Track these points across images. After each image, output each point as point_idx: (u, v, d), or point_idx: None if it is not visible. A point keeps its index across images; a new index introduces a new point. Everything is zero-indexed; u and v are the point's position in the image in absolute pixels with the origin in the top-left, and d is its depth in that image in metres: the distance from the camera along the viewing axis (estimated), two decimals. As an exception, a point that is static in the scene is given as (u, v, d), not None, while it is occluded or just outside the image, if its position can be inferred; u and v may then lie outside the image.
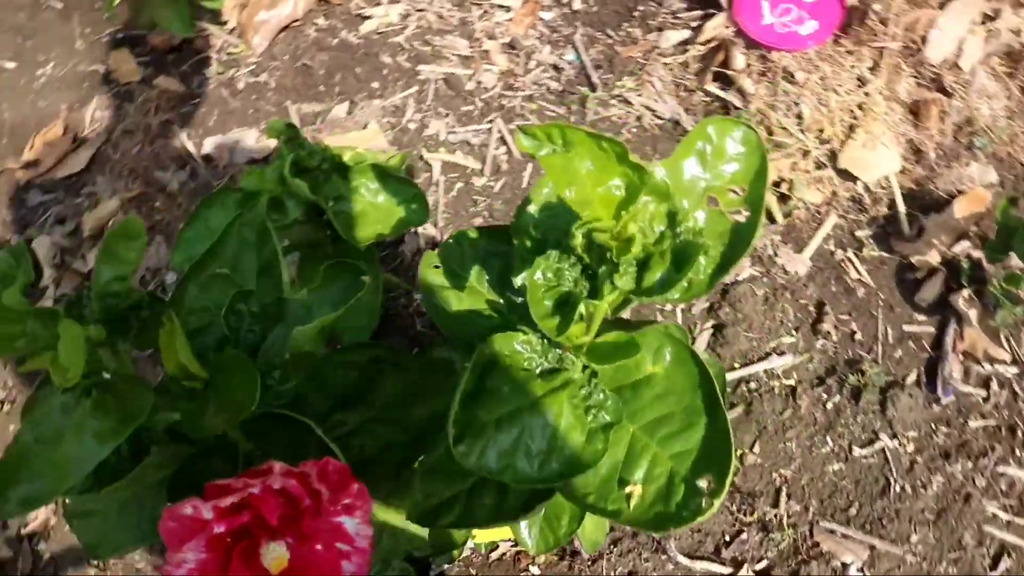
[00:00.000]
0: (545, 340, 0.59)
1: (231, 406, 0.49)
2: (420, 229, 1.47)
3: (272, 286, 0.60)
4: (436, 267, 0.71)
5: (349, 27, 1.76)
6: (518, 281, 0.57)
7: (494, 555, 1.24)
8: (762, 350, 1.34)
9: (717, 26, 1.59)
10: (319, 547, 0.51)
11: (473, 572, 1.21)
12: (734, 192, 0.54)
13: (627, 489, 0.57)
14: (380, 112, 1.64)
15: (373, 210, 0.97)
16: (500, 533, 0.89)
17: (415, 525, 0.78)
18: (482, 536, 0.90)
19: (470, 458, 0.53)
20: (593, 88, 1.60)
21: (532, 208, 0.60)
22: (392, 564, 0.82)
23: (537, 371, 0.58)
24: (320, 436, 0.55)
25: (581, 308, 0.52)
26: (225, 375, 0.51)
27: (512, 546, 1.24)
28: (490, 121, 1.60)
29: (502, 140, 1.56)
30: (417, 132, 1.60)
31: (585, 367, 0.57)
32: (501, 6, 1.74)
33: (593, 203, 0.45)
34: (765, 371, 1.32)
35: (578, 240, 0.49)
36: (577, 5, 1.72)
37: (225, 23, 1.78)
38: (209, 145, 1.64)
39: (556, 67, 1.64)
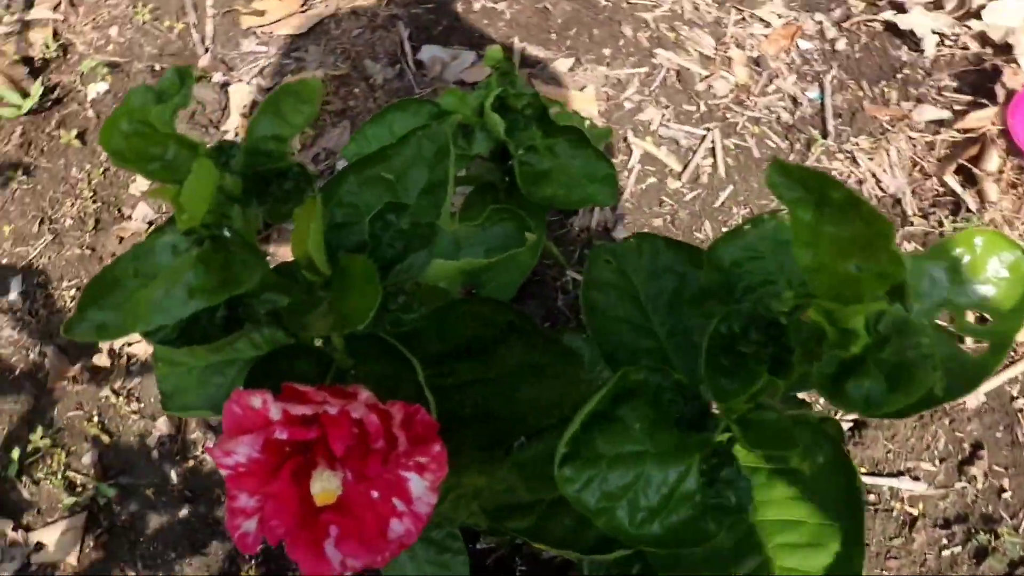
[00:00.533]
0: (698, 391, 0.52)
1: (342, 313, 0.45)
2: (597, 208, 1.40)
3: (431, 209, 0.54)
4: (608, 261, 0.64)
5: (606, -14, 1.70)
6: (690, 318, 0.51)
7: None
8: (897, 466, 1.22)
9: (982, 119, 1.44)
10: (374, 495, 0.46)
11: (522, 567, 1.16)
12: (978, 318, 0.45)
13: None
14: (602, 80, 1.58)
15: (560, 173, 0.91)
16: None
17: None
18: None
19: (571, 486, 0.46)
20: (825, 135, 1.48)
21: (739, 243, 0.52)
22: (443, 527, 0.77)
23: (675, 418, 0.51)
24: (420, 381, 0.49)
25: (760, 383, 0.44)
26: (348, 280, 0.46)
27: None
28: (707, 128, 1.51)
29: (712, 151, 1.47)
30: (630, 113, 1.53)
31: (729, 437, 0.50)
32: (762, 19, 1.64)
33: (824, 276, 0.37)
34: (890, 488, 1.20)
35: (785, 307, 0.42)
36: (840, 46, 1.59)
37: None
38: (426, 53, 1.63)
39: (795, 99, 1.53)
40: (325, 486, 0.44)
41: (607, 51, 1.63)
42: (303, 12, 1.69)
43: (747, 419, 0.47)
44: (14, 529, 1.22)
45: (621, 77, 1.59)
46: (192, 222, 0.37)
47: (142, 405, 1.30)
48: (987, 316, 0.44)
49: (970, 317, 0.44)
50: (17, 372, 1.34)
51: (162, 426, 1.28)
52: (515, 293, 0.92)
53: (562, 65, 1.62)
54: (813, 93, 1.54)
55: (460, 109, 0.89)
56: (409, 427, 0.46)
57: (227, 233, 0.39)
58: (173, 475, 1.26)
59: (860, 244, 0.33)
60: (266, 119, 0.43)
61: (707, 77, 1.58)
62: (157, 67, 1.63)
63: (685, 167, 1.47)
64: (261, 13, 1.69)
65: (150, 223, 1.44)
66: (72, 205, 1.46)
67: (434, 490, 0.47)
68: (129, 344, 1.33)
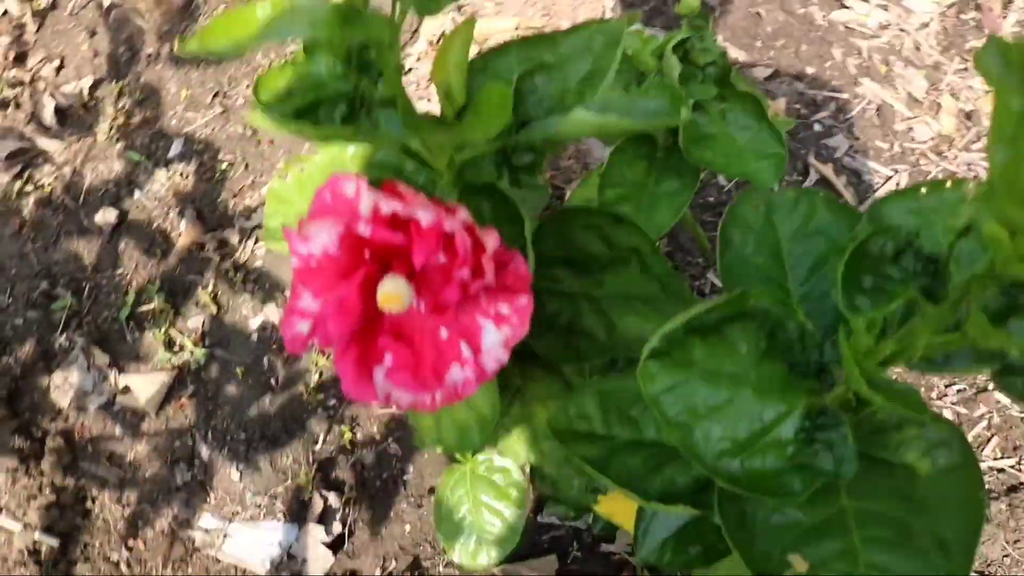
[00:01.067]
0: (822, 346, 0.45)
1: (469, 128, 0.41)
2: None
3: (585, 93, 0.50)
4: (758, 206, 0.58)
5: (823, 5, 1.62)
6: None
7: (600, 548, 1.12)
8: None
9: None
10: (443, 333, 0.42)
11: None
12: None
13: (793, 558, 0.43)
14: (796, 96, 1.50)
15: (726, 141, 0.85)
16: (623, 515, 0.77)
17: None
18: (605, 507, 0.78)
19: (653, 385, 0.41)
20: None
21: (909, 204, 0.45)
22: (504, 456, 0.73)
23: (789, 363, 0.45)
24: (525, 235, 0.45)
25: (900, 301, 0.38)
26: (482, 106, 0.43)
27: (626, 551, 1.11)
28: (895, 170, 1.40)
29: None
30: (818, 136, 1.45)
31: (843, 400, 0.43)
32: (986, 74, 1.52)
33: (1019, 179, 0.30)
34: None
35: (951, 235, 0.35)
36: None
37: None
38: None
39: (1001, 161, 1.41)
40: (395, 288, 0.40)
41: (811, 70, 1.54)
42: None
43: (875, 379, 0.40)
44: (109, 366, 1.25)
45: (818, 98, 1.51)
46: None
47: (256, 288, 1.32)
48: None
49: None
50: (155, 226, 1.38)
51: (271, 314, 1.29)
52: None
53: (760, 72, 1.55)
54: (1023, 161, 1.41)
55: (640, 52, 0.84)
56: (500, 268, 0.42)
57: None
58: (265, 361, 1.26)
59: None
60: None
61: (910, 119, 1.47)
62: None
63: (861, 202, 1.37)
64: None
65: (296, 161, 1.45)
66: (248, 87, 1.50)
67: (507, 348, 0.43)
68: (259, 227, 1.35)
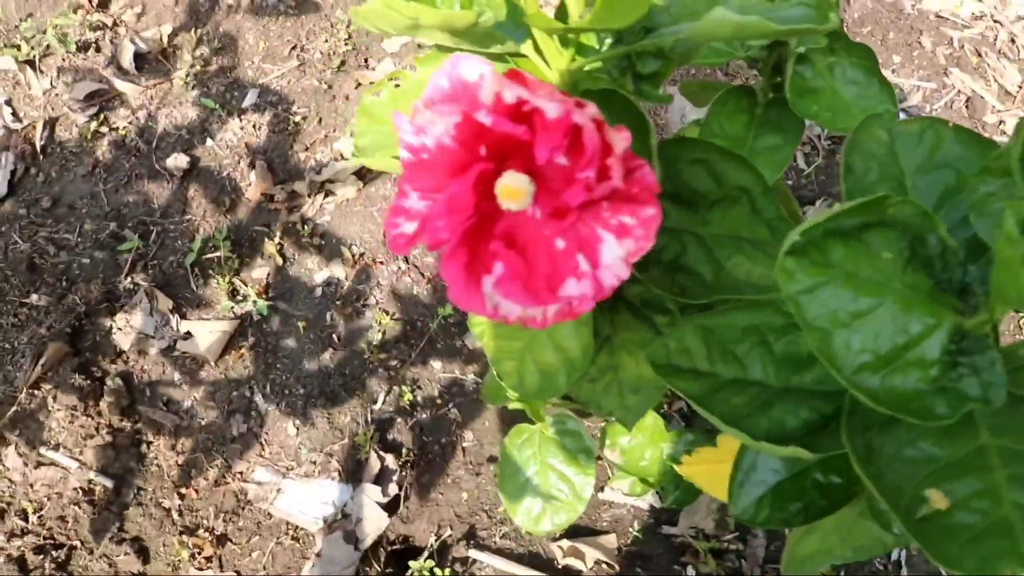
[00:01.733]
0: (964, 264, 0.41)
1: (602, 22, 0.37)
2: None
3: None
4: (881, 134, 0.54)
5: (918, -10, 1.55)
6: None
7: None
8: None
9: None
10: (559, 243, 0.39)
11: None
12: None
13: (931, 493, 0.39)
14: (887, 78, 1.43)
15: (832, 95, 0.81)
16: (706, 477, 0.72)
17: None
18: (688, 469, 0.74)
19: (792, 283, 0.37)
20: None
21: None
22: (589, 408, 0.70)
23: (931, 284, 0.40)
24: (651, 144, 0.41)
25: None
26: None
27: (689, 533, 1.06)
28: (991, 160, 1.33)
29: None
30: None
31: (992, 324, 0.38)
32: (1091, 67, 1.44)
33: None
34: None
35: None
36: None
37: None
38: None
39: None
40: (516, 182, 0.36)
41: (897, 58, 1.48)
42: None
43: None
44: (172, 311, 1.24)
45: (905, 87, 1.44)
46: None
47: (323, 243, 1.29)
48: None
49: None
50: (225, 174, 1.36)
51: (336, 269, 1.27)
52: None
53: (847, 56, 1.49)
54: None
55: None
56: (627, 173, 0.38)
57: None
58: (328, 317, 1.24)
59: None
60: None
61: (1001, 111, 1.40)
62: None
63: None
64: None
65: (390, 78, 1.43)
66: (326, 41, 1.48)
67: (628, 264, 0.39)
68: (332, 181, 1.33)
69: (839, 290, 0.38)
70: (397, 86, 0.59)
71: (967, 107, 1.43)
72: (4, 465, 1.15)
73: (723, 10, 0.40)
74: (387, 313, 1.23)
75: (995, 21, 1.53)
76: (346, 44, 1.48)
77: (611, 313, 0.66)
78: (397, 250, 0.39)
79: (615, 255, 0.38)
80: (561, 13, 0.45)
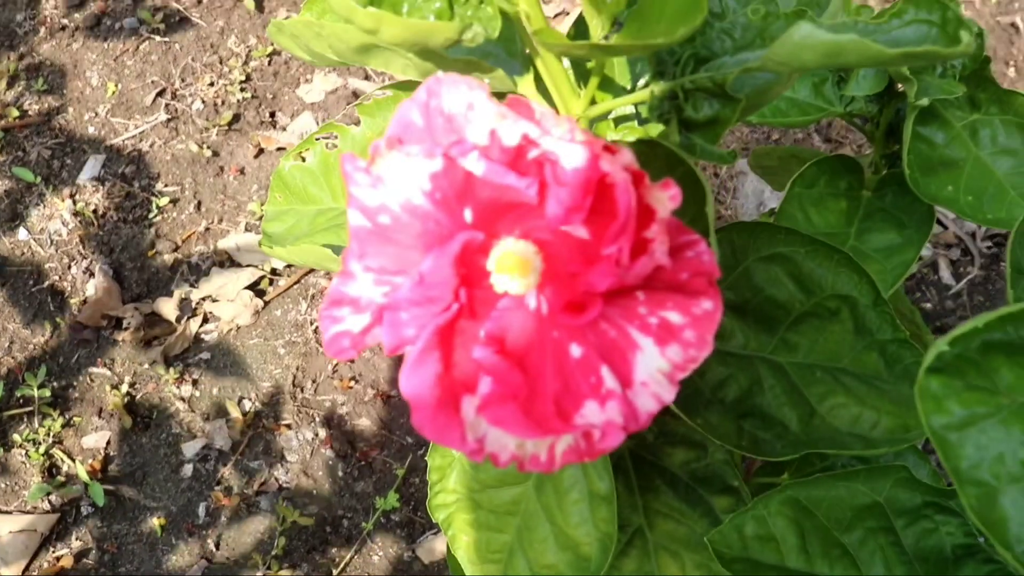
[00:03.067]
0: None
1: (645, 38, 0.44)
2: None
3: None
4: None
5: None
6: None
7: None
8: None
9: None
10: (575, 351, 0.44)
11: None
12: None
13: None
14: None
15: (976, 169, 0.90)
16: None
17: None
18: None
19: (936, 411, 0.42)
20: None
21: None
22: None
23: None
24: (708, 212, 0.47)
25: None
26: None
27: None
28: None
29: None
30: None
31: None
32: None
33: None
34: None
35: None
36: None
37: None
38: None
39: None
40: (519, 252, 0.42)
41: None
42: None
43: None
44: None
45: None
46: None
47: (197, 394, 1.35)
48: None
49: None
50: (46, 284, 1.43)
51: (216, 436, 1.32)
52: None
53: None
54: None
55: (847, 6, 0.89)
56: (676, 251, 0.43)
57: None
58: (201, 511, 1.28)
59: None
60: None
61: None
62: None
63: None
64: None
65: (319, 136, 1.52)
66: (211, 84, 1.58)
67: (675, 382, 0.44)
68: (214, 300, 1.39)
69: (1008, 428, 0.43)
70: (331, 146, 0.66)
71: None
72: None
73: (810, 26, 0.47)
74: (295, 505, 1.27)
75: None
76: (242, 89, 1.57)
77: (645, 493, 0.70)
78: (338, 355, 0.44)
79: (656, 367, 0.43)
80: (579, 31, 0.51)
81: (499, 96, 0.52)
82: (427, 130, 0.43)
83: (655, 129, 0.53)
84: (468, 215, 0.44)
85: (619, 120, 0.56)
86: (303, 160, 0.69)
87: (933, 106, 0.89)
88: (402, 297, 0.44)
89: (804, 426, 0.60)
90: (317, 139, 0.70)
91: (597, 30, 0.50)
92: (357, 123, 0.67)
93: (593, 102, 0.53)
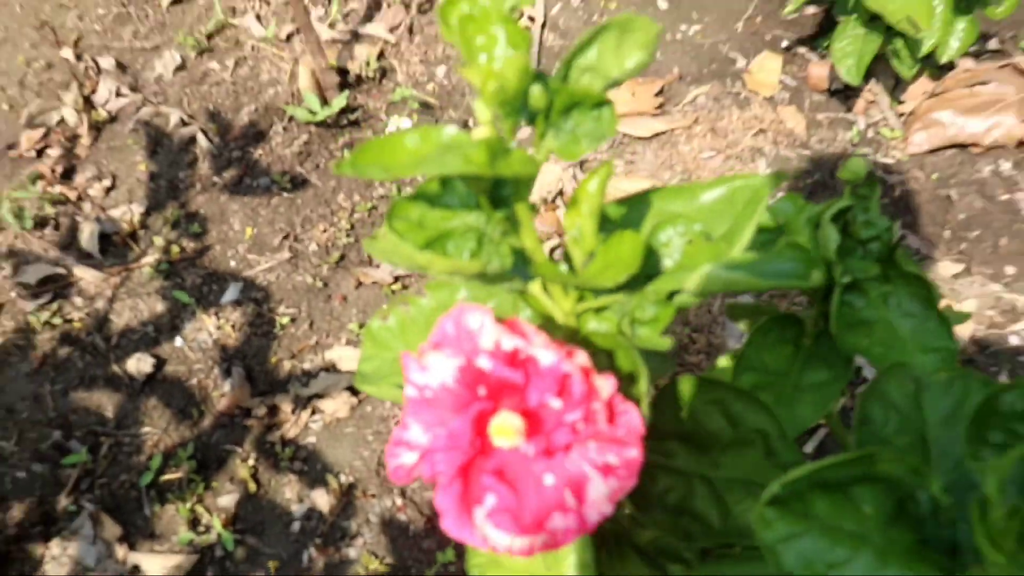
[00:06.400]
0: (955, 524, 0.58)
1: (593, 273, 0.56)
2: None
3: (724, 250, 0.66)
4: (906, 383, 0.72)
5: (1034, 189, 1.77)
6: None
7: None
8: None
9: None
10: (548, 480, 0.56)
11: None
12: None
13: None
14: (993, 301, 1.62)
15: (884, 328, 0.98)
16: None
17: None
18: None
19: (769, 532, 0.53)
20: None
21: None
22: None
23: (919, 537, 0.57)
24: (643, 390, 0.59)
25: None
26: (610, 252, 0.58)
27: None
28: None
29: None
30: (1014, 351, 1.56)
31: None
32: None
33: None
34: None
35: None
36: None
37: (901, 101, 1.89)
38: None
39: None
40: (509, 422, 0.54)
41: (1011, 268, 1.68)
42: (654, 115, 1.90)
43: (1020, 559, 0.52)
44: (120, 540, 1.40)
45: (1019, 305, 1.63)
46: (500, 95, 0.51)
47: (305, 468, 1.47)
48: None
49: None
50: (195, 382, 1.56)
51: (319, 500, 1.44)
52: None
53: (946, 268, 1.69)
54: None
55: (793, 219, 1.00)
56: (613, 420, 0.55)
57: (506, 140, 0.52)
58: (305, 558, 1.39)
59: None
60: (592, 50, 0.57)
61: None
62: (470, 122, 1.89)
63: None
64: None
65: (396, 278, 1.65)
66: (324, 231, 1.71)
67: (613, 501, 0.56)
68: (320, 396, 1.52)
69: (818, 540, 0.55)
70: (407, 312, 0.78)
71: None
72: None
73: (712, 267, 0.60)
74: (376, 556, 1.38)
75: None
76: (348, 235, 1.71)
77: (622, 559, 0.82)
78: (398, 480, 0.57)
79: (600, 492, 0.56)
80: (568, 258, 0.64)
81: (500, 318, 0.64)
82: (456, 338, 0.56)
83: (615, 322, 0.64)
84: (481, 391, 0.56)
85: (600, 309, 0.68)
86: (386, 321, 0.81)
87: (855, 280, 0.99)
88: (438, 445, 0.56)
89: (723, 523, 0.70)
90: (398, 303, 0.82)
91: (579, 261, 0.62)
92: (423, 294, 0.79)
93: (578, 300, 0.65)
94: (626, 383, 0.62)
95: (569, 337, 0.65)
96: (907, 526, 0.56)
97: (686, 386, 0.74)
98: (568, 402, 0.55)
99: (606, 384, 0.55)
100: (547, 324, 0.68)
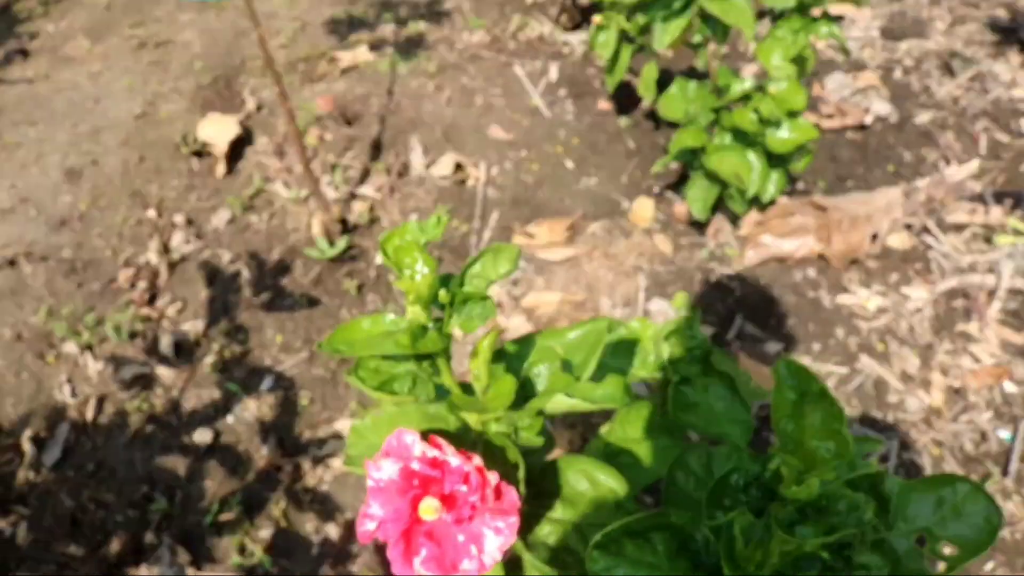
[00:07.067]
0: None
1: (488, 401, 0.66)
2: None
3: (579, 376, 0.75)
4: (697, 459, 0.81)
5: (831, 289, 1.88)
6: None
7: None
8: None
9: None
10: (460, 537, 0.65)
11: None
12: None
13: None
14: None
15: (706, 408, 1.07)
16: None
17: None
18: None
19: (595, 564, 0.63)
20: (1005, 473, 1.53)
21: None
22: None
23: (695, 563, 0.66)
24: (519, 477, 0.68)
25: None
26: (497, 387, 0.67)
27: None
28: (888, 437, 1.60)
29: (884, 458, 1.56)
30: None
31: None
32: (974, 355, 1.74)
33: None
34: None
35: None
36: (1049, 402, 1.65)
37: (739, 228, 2.01)
38: (654, 305, 1.87)
39: (983, 434, 1.60)
40: (431, 504, 0.63)
41: (816, 345, 1.78)
42: (565, 244, 2.01)
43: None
44: (190, 564, 1.46)
45: (822, 371, 1.73)
46: (420, 298, 0.61)
47: (320, 508, 1.54)
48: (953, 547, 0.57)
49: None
50: (241, 448, 1.63)
51: (330, 531, 1.50)
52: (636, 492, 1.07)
53: (771, 347, 1.79)
54: (1005, 433, 1.60)
55: (640, 333, 1.10)
56: (499, 496, 0.65)
57: (430, 326, 0.62)
58: (322, 572, 1.46)
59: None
60: (478, 264, 0.67)
61: (902, 392, 1.69)
62: (436, 253, 1.99)
63: (854, 466, 1.56)
64: (531, 236, 2.03)
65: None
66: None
67: (501, 551, 0.65)
68: (329, 455, 1.59)
69: (627, 570, 0.64)
70: (378, 416, 0.87)
71: (875, 389, 1.71)
72: None
73: (560, 396, 0.69)
74: (370, 570, 1.45)
75: (897, 314, 1.85)
76: (350, 337, 1.80)
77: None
78: (364, 540, 0.66)
79: (493, 545, 0.64)
80: (471, 390, 0.73)
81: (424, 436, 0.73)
82: (398, 449, 0.65)
83: (506, 431, 0.74)
84: (415, 482, 0.65)
85: (497, 419, 0.77)
86: (364, 421, 0.89)
87: (683, 377, 1.09)
88: (388, 517, 0.65)
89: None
90: (372, 410, 0.90)
91: (479, 389, 0.72)
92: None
93: (482, 414, 0.74)
94: (512, 470, 0.71)
95: (478, 436, 0.74)
96: (687, 557, 0.65)
97: (563, 462, 0.83)
98: (470, 488, 0.64)
99: (493, 476, 0.64)
100: (464, 427, 0.77)
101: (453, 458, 0.63)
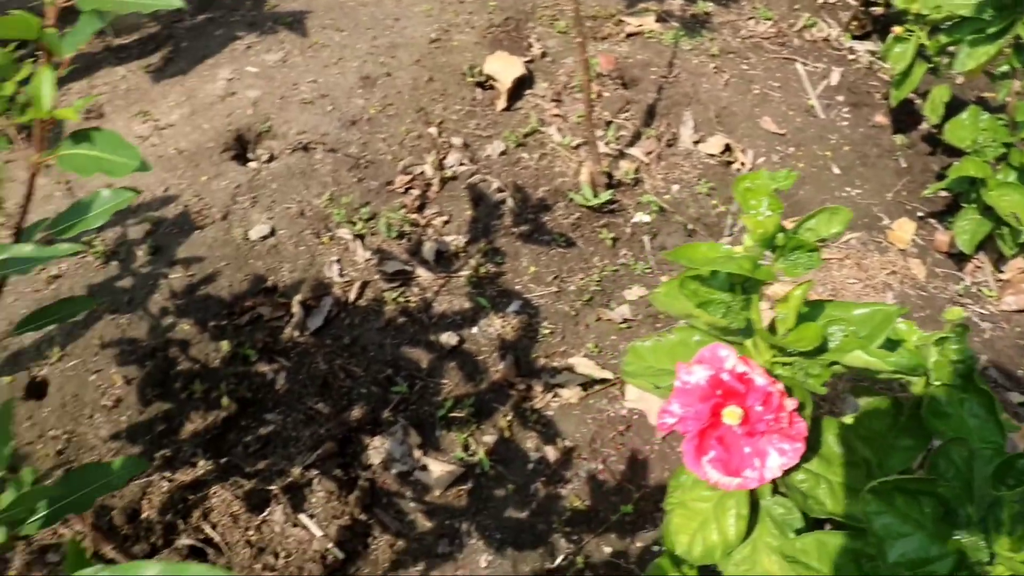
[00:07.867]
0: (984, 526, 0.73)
1: (794, 345, 0.75)
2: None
3: (867, 345, 0.83)
4: (963, 452, 0.87)
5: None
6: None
7: None
8: None
9: None
10: (746, 449, 0.75)
11: None
12: None
13: None
14: (1040, 424, 1.70)
15: (958, 421, 1.12)
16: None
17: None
18: None
19: (868, 506, 0.71)
20: None
21: None
22: None
23: (955, 533, 0.74)
24: (808, 414, 0.78)
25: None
26: (803, 333, 0.77)
27: None
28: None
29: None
30: None
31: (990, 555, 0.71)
32: None
33: None
34: None
35: None
36: None
37: (1002, 270, 1.98)
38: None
39: None
40: (734, 411, 0.74)
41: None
42: (818, 244, 2.04)
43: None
44: (418, 447, 1.65)
45: None
46: (762, 236, 0.71)
47: (543, 430, 1.68)
48: None
49: None
50: (481, 358, 1.80)
51: (548, 453, 1.65)
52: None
53: (1014, 397, 1.77)
54: None
55: (907, 337, 1.15)
56: (790, 424, 0.74)
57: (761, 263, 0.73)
58: (532, 488, 1.60)
59: None
60: (815, 219, 0.77)
61: None
62: (689, 226, 2.08)
63: None
64: (785, 229, 2.08)
65: (624, 320, 1.86)
66: (581, 278, 1.94)
67: (782, 470, 0.75)
68: (560, 386, 1.73)
69: (894, 519, 0.72)
70: (659, 339, 0.98)
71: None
72: (271, 517, 1.57)
73: (859, 352, 0.78)
74: (579, 499, 1.59)
75: None
76: (597, 285, 1.93)
77: (760, 524, 0.99)
78: (662, 430, 0.78)
79: (775, 463, 0.75)
80: (772, 328, 0.83)
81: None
82: (710, 359, 0.76)
83: (792, 372, 0.83)
84: (719, 392, 0.76)
85: (785, 363, 0.86)
86: (645, 343, 1.00)
87: (943, 384, 1.14)
88: (688, 416, 0.76)
89: (833, 506, 0.87)
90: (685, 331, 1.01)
91: (780, 331, 0.81)
92: (670, 333, 0.99)
93: (773, 356, 0.84)
94: (799, 408, 0.81)
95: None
96: (949, 525, 0.73)
97: (827, 423, 0.91)
98: (767, 408, 0.74)
99: (791, 403, 0.74)
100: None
101: (760, 378, 0.74)
